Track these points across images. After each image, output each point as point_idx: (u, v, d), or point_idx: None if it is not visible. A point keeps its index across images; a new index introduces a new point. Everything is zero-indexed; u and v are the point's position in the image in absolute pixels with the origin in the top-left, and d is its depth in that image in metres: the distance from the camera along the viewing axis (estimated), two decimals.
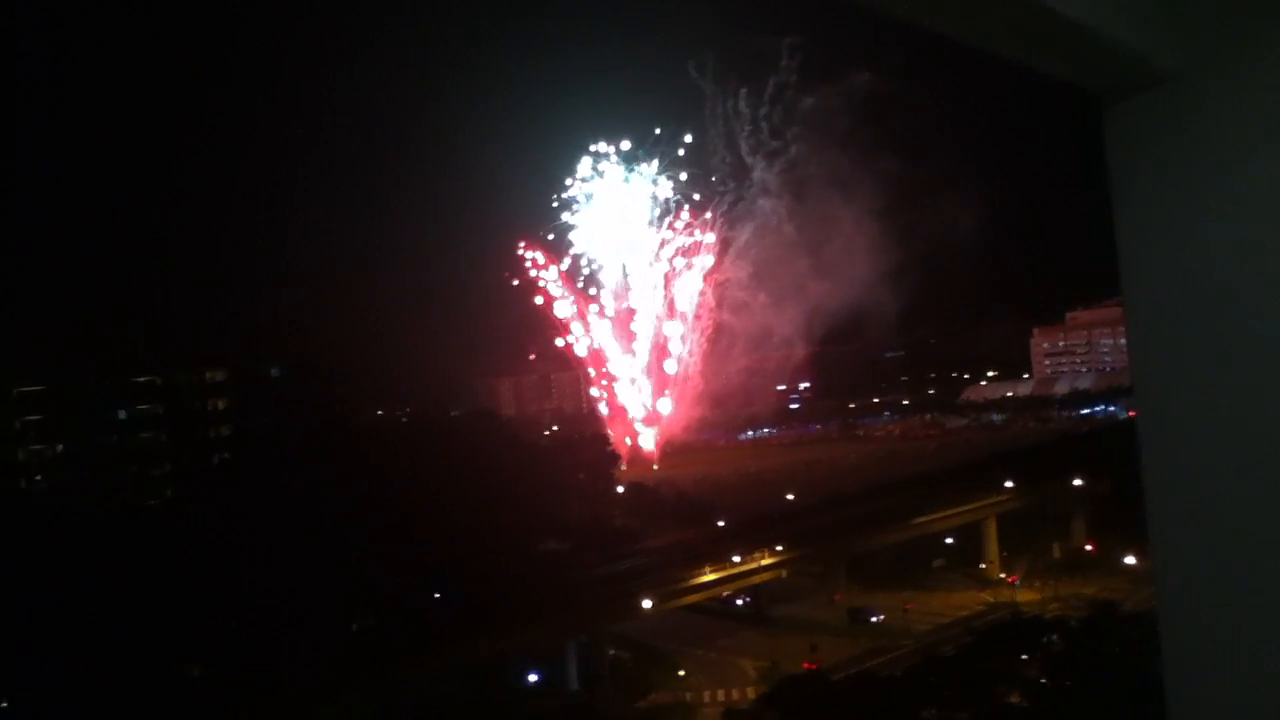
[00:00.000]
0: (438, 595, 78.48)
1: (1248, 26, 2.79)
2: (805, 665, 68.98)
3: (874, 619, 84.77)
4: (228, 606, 69.76)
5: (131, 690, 57.42)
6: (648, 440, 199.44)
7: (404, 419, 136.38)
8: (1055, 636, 57.66)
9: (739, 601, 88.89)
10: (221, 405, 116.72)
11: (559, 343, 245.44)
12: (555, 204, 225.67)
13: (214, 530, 70.91)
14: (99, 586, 65.61)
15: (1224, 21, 2.82)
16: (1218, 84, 2.85)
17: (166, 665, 63.74)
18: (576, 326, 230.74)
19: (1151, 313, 3.09)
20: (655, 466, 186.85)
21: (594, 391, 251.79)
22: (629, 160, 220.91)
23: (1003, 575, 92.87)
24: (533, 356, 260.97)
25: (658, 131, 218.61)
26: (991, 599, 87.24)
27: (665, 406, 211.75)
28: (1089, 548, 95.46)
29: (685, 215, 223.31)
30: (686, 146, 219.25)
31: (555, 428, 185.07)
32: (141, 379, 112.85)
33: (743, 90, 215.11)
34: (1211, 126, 2.88)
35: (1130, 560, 79.33)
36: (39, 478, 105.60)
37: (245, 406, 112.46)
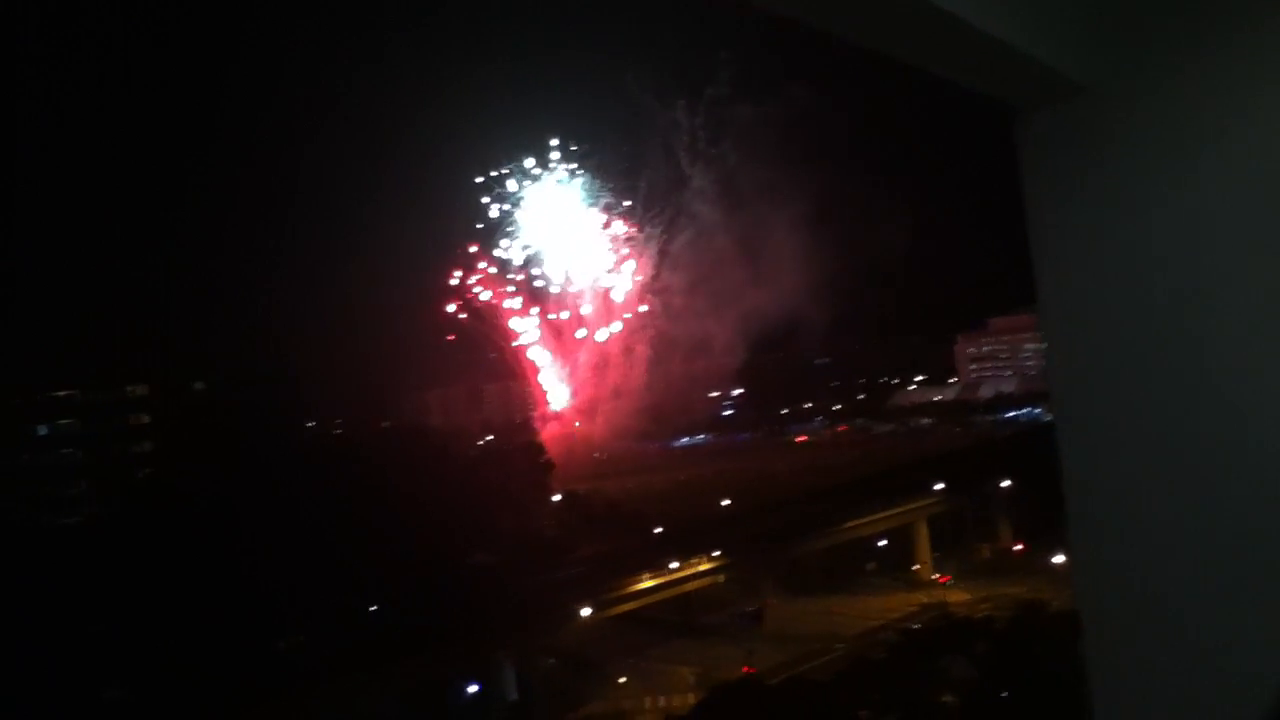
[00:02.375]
0: (372, 609, 77.43)
1: (1155, 40, 2.85)
2: (744, 670, 69.31)
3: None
4: (146, 627, 68.07)
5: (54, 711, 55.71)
6: (583, 448, 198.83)
7: (335, 431, 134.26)
8: (984, 636, 58.59)
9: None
10: (145, 420, 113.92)
11: (492, 353, 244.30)
12: (491, 211, 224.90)
13: (131, 549, 69.08)
14: (8, 607, 63.59)
15: (1132, 35, 2.89)
16: (1126, 96, 2.91)
17: (81, 689, 61.91)
18: (515, 332, 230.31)
19: (1064, 318, 3.15)
20: (596, 454, 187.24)
21: (528, 400, 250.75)
22: (567, 161, 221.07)
23: (934, 577, 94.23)
24: (466, 364, 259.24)
25: (584, 143, 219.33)
26: (924, 600, 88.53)
27: (597, 412, 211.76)
28: (1018, 548, 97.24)
29: (619, 224, 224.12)
30: (620, 154, 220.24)
31: (490, 438, 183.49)
32: (60, 393, 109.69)
33: (677, 102, 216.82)
34: (1120, 137, 2.95)
35: (1058, 560, 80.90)
36: None
37: (169, 421, 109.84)
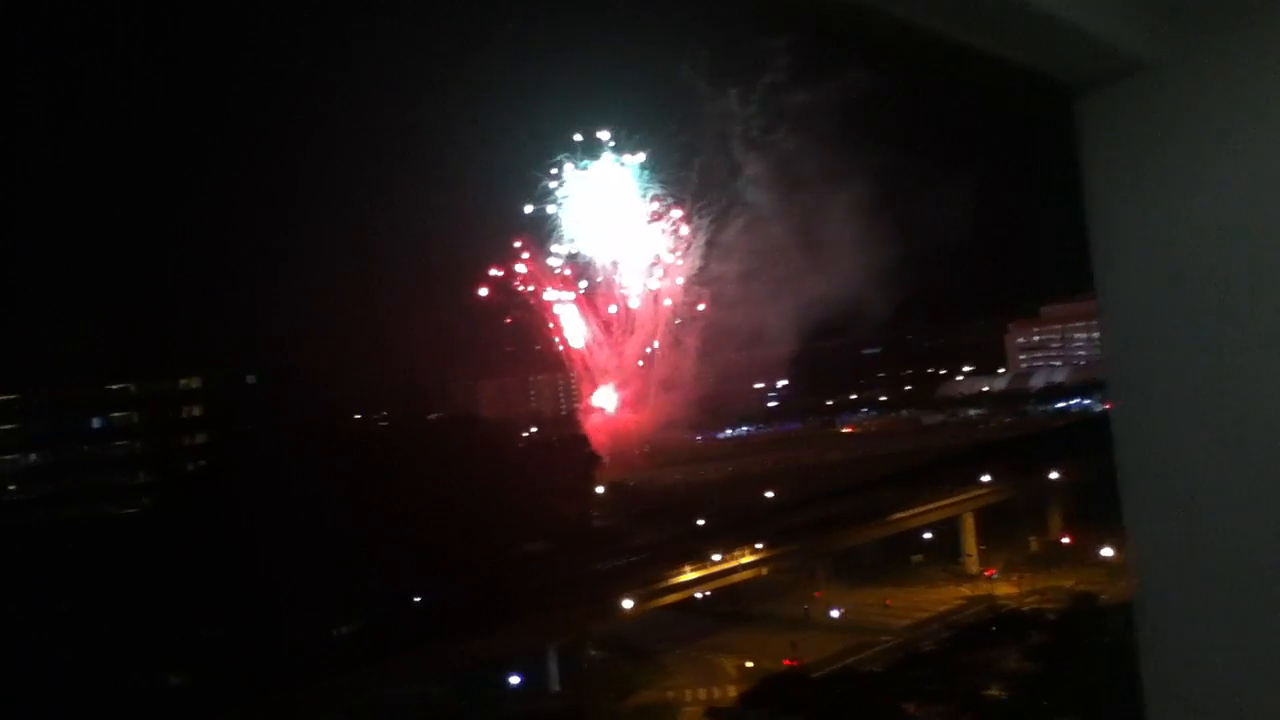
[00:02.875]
0: (418, 599, 78.27)
1: (1217, 16, 2.80)
2: (785, 662, 69.21)
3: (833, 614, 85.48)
4: (206, 615, 69.39)
5: (108, 699, 56.92)
6: (631, 440, 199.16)
7: (382, 423, 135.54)
8: (1033, 629, 58.00)
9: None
10: (197, 412, 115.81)
11: (539, 344, 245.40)
12: (540, 203, 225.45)
13: (189, 539, 70.38)
14: (73, 596, 65.12)
15: (1194, 11, 2.83)
16: (1188, 74, 2.86)
17: (145, 673, 63.26)
18: (563, 324, 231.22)
19: (1125, 304, 3.10)
20: (644, 446, 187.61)
21: (575, 392, 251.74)
22: (616, 151, 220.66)
23: (981, 569, 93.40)
24: (513, 356, 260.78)
25: (636, 132, 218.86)
26: (970, 593, 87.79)
27: (644, 404, 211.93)
28: (1066, 540, 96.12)
29: (670, 214, 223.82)
30: (670, 143, 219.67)
31: (535, 430, 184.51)
32: (115, 386, 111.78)
33: (729, 89, 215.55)
34: (1182, 116, 2.89)
35: (1107, 552, 79.88)
36: (11, 487, 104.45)
37: (221, 414, 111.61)
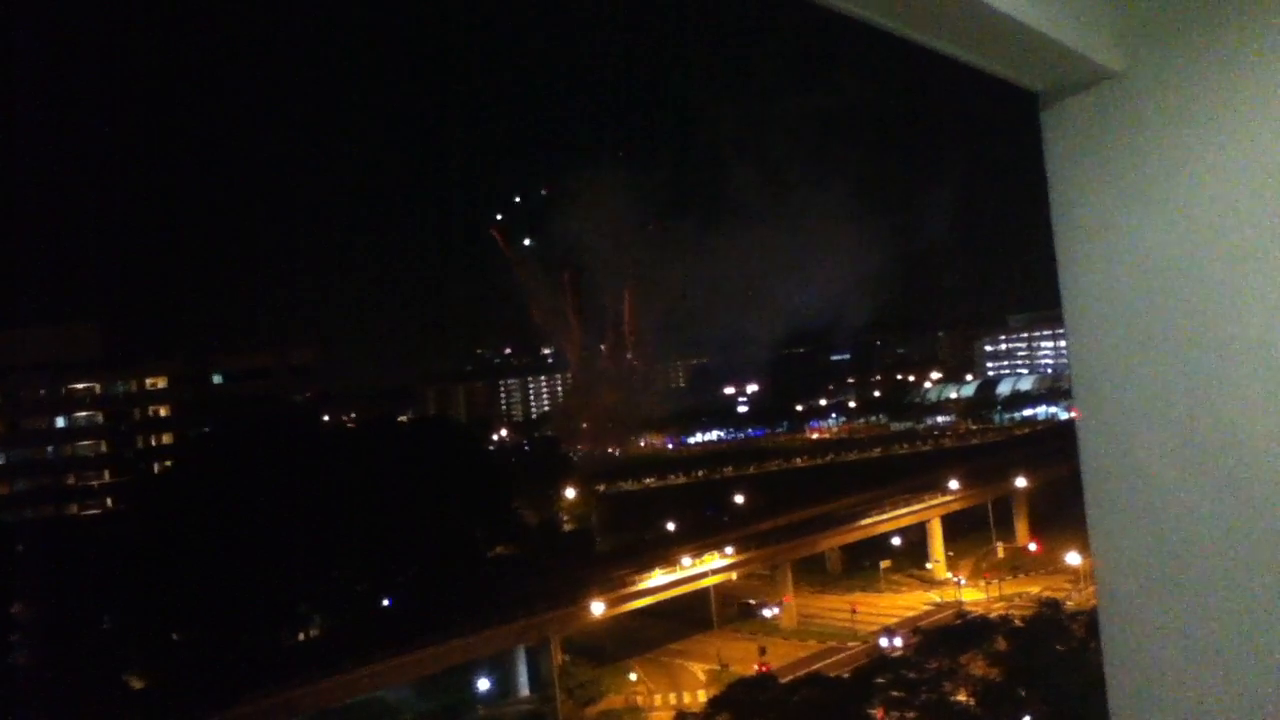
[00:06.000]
0: (386, 602, 77.78)
1: (1186, 23, 2.81)
2: (757, 667, 69.28)
3: (766, 614, 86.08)
4: (169, 616, 68.64)
5: (69, 702, 56.17)
6: (600, 443, 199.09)
7: (350, 424, 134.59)
8: (1000, 634, 58.36)
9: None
10: (163, 412, 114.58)
11: (515, 349, 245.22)
12: (523, 202, 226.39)
13: (153, 540, 69.59)
14: (34, 597, 64.21)
15: (1162, 18, 2.84)
16: (1154, 82, 2.87)
17: (106, 676, 62.50)
18: (542, 327, 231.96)
19: (1088, 311, 3.11)
20: (613, 451, 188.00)
21: (546, 395, 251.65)
22: (601, 167, 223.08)
23: (949, 575, 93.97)
24: (487, 359, 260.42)
25: (619, 148, 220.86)
26: (938, 598, 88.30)
27: (614, 408, 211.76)
28: (1033, 547, 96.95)
29: (648, 224, 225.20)
30: (648, 158, 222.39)
31: (505, 433, 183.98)
32: (80, 386, 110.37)
33: (727, 96, 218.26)
34: (1146, 125, 2.90)
35: (1074, 559, 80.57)
36: None
37: (187, 414, 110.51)
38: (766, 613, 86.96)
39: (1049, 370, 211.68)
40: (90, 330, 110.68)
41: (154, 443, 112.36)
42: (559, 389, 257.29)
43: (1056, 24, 2.70)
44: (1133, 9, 2.88)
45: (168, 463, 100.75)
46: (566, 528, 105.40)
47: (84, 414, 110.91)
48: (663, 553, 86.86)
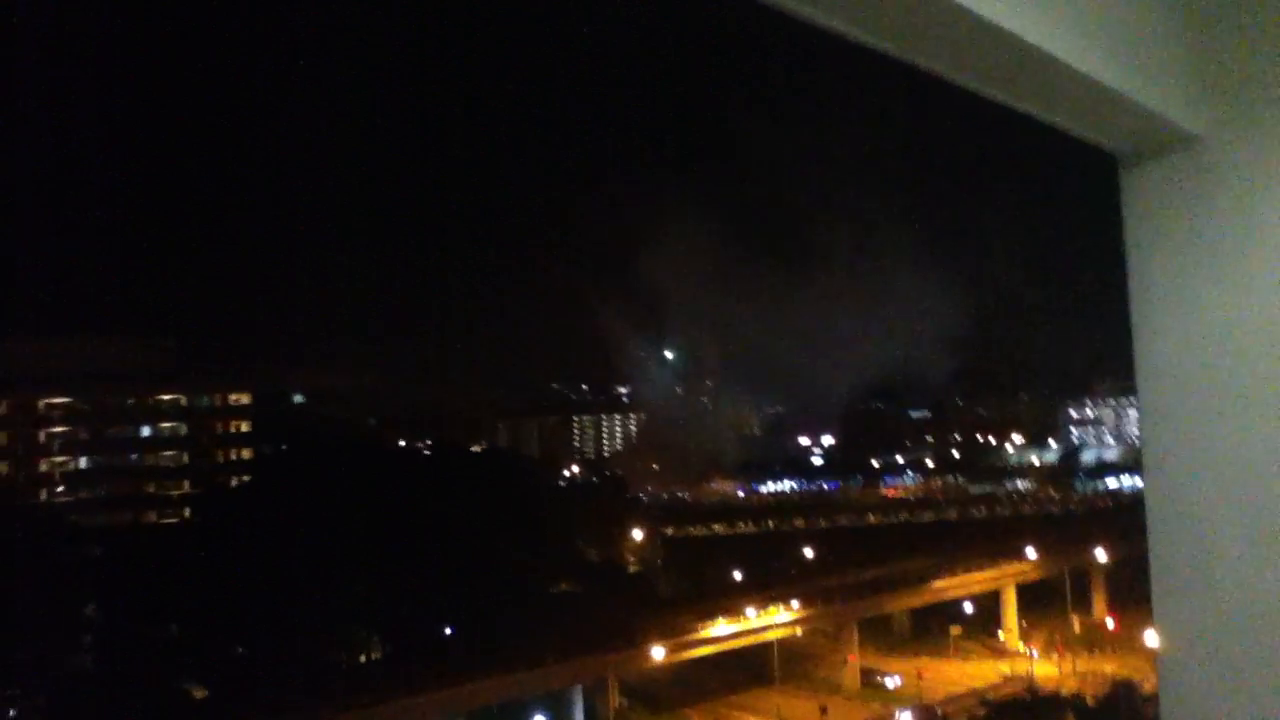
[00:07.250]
0: (449, 631, 78.22)
1: (1267, 86, 2.72)
2: None
3: (889, 683, 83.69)
4: (237, 630, 69.86)
5: (131, 709, 57.35)
6: (666, 484, 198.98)
7: (425, 450, 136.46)
8: (1072, 712, 56.61)
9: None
10: (244, 428, 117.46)
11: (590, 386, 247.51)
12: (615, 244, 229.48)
13: (227, 553, 71.08)
14: (109, 601, 65.92)
15: (1246, 82, 2.75)
16: (1236, 145, 2.77)
17: (169, 684, 63.72)
18: (624, 363, 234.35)
19: (1162, 381, 3.02)
20: (682, 494, 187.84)
21: (619, 433, 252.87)
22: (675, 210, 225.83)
23: (1021, 646, 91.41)
24: (560, 393, 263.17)
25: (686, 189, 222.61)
26: (1009, 670, 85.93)
27: (685, 451, 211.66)
28: (1110, 623, 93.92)
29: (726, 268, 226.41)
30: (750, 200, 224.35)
31: (576, 469, 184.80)
32: (166, 397, 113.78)
33: (822, 155, 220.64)
34: (1228, 189, 2.81)
35: (1151, 639, 77.86)
36: (60, 489, 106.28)
37: (267, 431, 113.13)
38: (889, 682, 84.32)
39: (1137, 440, 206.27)
40: (168, 343, 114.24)
41: (234, 457, 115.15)
42: (632, 428, 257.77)
43: (1136, 85, 2.65)
44: (1214, 71, 2.80)
45: (245, 477, 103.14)
46: (631, 569, 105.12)
47: (169, 424, 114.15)
48: (727, 602, 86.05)
